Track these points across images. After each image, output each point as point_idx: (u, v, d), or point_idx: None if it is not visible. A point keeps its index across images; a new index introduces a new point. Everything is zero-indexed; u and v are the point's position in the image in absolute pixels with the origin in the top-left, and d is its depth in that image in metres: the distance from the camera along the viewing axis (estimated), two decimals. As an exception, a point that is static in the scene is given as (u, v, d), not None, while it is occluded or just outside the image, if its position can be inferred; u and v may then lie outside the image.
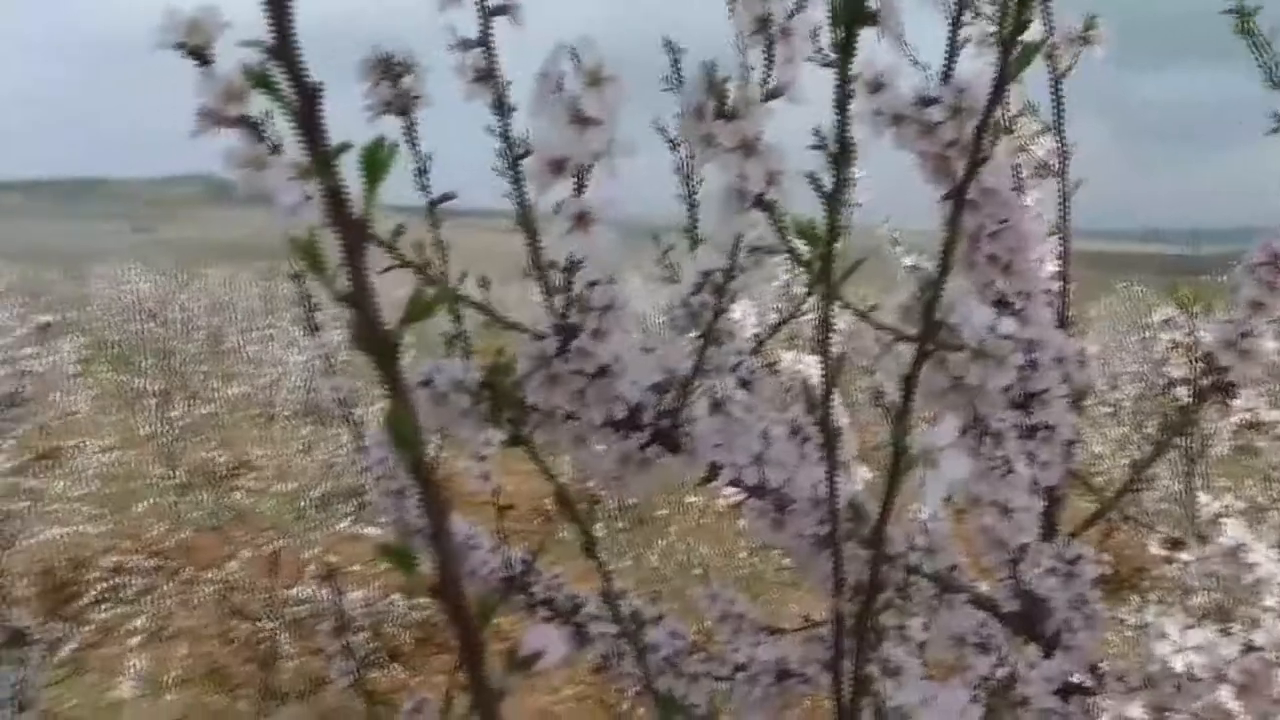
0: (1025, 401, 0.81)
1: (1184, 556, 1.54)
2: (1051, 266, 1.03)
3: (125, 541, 4.68)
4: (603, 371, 0.51)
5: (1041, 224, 1.03)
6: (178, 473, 5.42)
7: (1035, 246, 0.83)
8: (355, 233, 0.20)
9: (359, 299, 0.20)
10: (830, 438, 0.40)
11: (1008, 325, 0.60)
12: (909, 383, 0.39)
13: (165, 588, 4.37)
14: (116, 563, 4.43)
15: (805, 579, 0.71)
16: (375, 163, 0.21)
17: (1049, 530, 0.89)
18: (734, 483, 0.66)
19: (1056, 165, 1.02)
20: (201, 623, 4.23)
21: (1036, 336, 0.80)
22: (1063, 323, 1.02)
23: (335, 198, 0.20)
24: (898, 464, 0.35)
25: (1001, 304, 0.78)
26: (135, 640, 3.98)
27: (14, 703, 1.40)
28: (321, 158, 0.20)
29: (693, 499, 5.15)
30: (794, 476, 0.69)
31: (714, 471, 0.65)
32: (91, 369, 6.83)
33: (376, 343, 0.20)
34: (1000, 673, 0.60)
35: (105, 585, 4.28)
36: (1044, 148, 1.05)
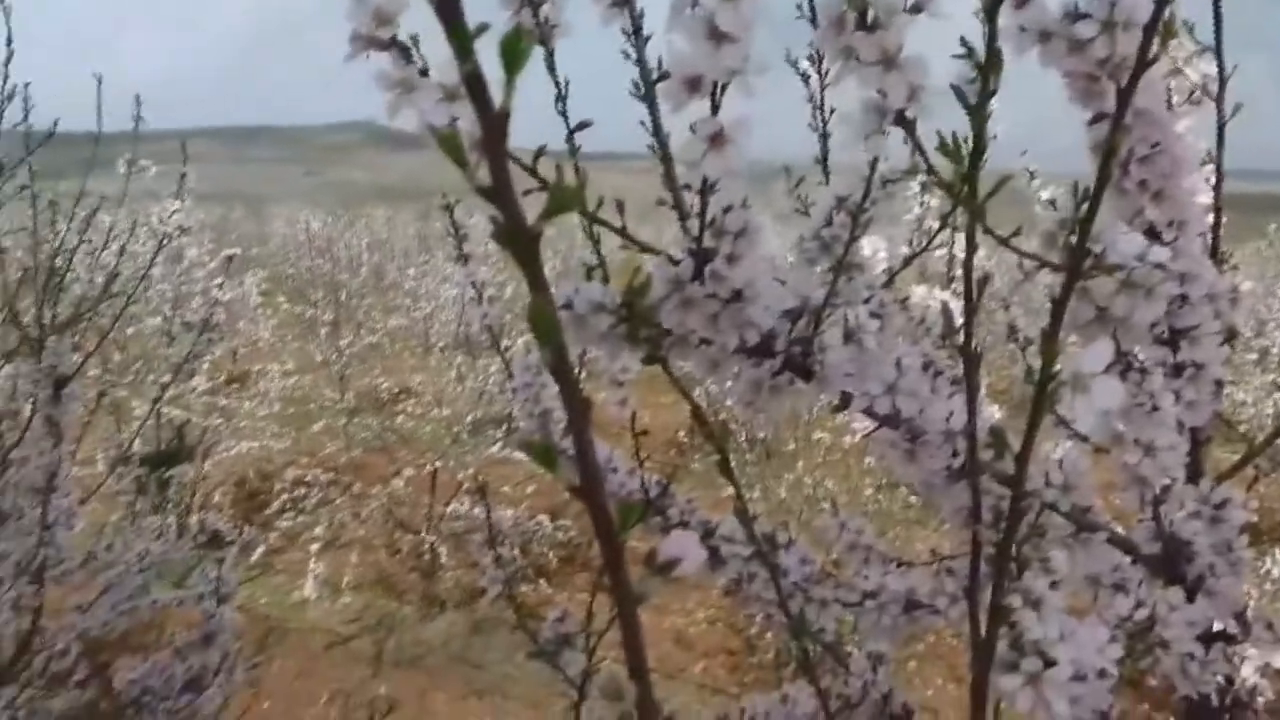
0: (1173, 338, 0.74)
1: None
2: (1204, 197, 0.93)
3: (304, 458, 5.00)
4: (736, 296, 0.49)
5: (1195, 150, 0.93)
6: (347, 397, 5.71)
7: (1188, 173, 0.75)
8: (495, 123, 0.19)
9: (499, 191, 0.19)
10: (970, 359, 0.37)
11: (1160, 253, 0.55)
12: (1057, 308, 0.35)
13: (339, 501, 4.65)
14: (297, 476, 4.74)
15: (934, 512, 0.68)
16: (514, 53, 0.19)
17: (1194, 473, 0.83)
18: (866, 412, 0.63)
19: (1213, 90, 0.92)
20: (371, 534, 4.48)
21: (1187, 269, 0.73)
22: (1214, 257, 0.93)
23: (475, 84, 0.19)
24: (1043, 391, 0.32)
25: (1151, 234, 0.72)
26: (315, 547, 4.26)
27: (214, 595, 1.52)
28: (460, 39, 0.19)
29: (820, 435, 5.09)
30: (926, 409, 0.65)
31: (845, 400, 0.62)
32: (272, 300, 7.24)
33: (517, 236, 0.19)
34: (1140, 614, 0.56)
35: (288, 496, 4.58)
36: (1199, 71, 0.95)
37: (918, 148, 0.38)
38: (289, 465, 4.89)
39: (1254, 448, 0.92)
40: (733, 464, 0.63)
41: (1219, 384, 0.76)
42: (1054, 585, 0.38)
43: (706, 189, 0.44)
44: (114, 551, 1.48)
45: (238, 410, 4.82)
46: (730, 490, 0.70)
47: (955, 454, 0.63)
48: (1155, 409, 0.67)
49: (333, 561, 4.23)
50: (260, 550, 4.07)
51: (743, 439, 4.95)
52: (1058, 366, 0.33)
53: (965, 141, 0.40)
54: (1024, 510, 0.30)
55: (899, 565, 0.87)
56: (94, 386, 3.34)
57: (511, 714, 3.29)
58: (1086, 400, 0.30)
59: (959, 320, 0.40)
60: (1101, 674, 0.41)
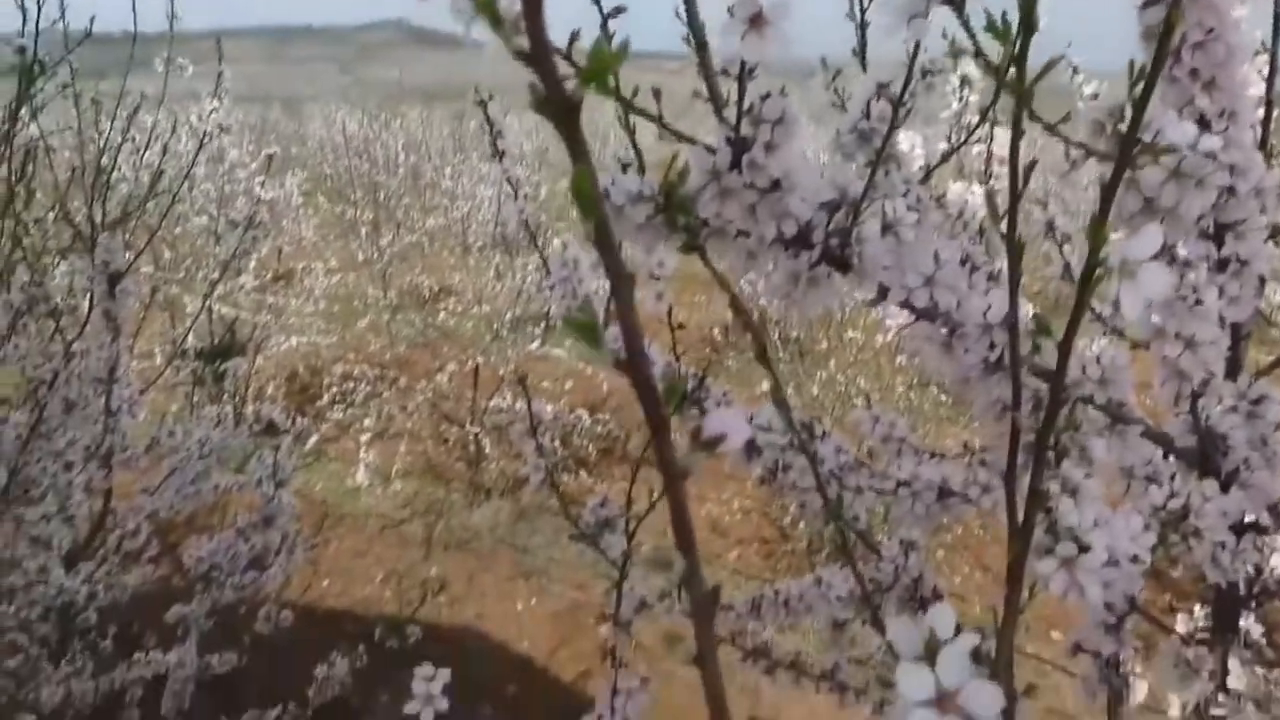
0: (1218, 232, 0.72)
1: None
2: (1256, 89, 0.89)
3: (350, 353, 5.08)
4: (774, 186, 0.48)
5: (1250, 38, 0.88)
6: (390, 294, 5.76)
7: (1242, 62, 0.71)
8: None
9: (538, 56, 0.18)
10: (1014, 247, 0.36)
11: (1211, 142, 0.52)
12: (1107, 192, 0.34)
13: (386, 395, 4.74)
14: (345, 371, 4.83)
15: (965, 409, 0.67)
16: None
17: (1233, 368, 0.81)
18: (903, 305, 0.62)
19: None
20: (418, 426, 4.58)
21: (1237, 161, 0.70)
22: (1264, 150, 0.88)
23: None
24: (1089, 278, 0.30)
25: (1201, 125, 0.68)
26: (365, 438, 4.37)
27: (272, 480, 1.57)
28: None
29: (853, 334, 5.06)
30: (963, 302, 0.64)
31: (883, 293, 0.61)
32: (312, 200, 7.25)
33: (557, 103, 0.19)
34: (1174, 504, 0.55)
35: (337, 390, 4.68)
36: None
37: (965, 27, 0.36)
38: (337, 361, 4.98)
39: (1295, 343, 0.89)
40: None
41: (1262, 280, 0.74)
42: (1089, 475, 0.38)
43: (744, 75, 0.42)
44: (175, 438, 1.53)
45: (285, 307, 4.89)
46: (763, 387, 0.70)
47: (992, 346, 0.62)
48: (1198, 303, 0.65)
49: (382, 451, 4.34)
50: (313, 440, 4.19)
51: (776, 337, 4.94)
52: (1104, 253, 0.32)
53: (1013, 24, 0.37)
54: (1064, 398, 0.29)
55: (931, 457, 0.87)
56: (147, 283, 3.40)
57: (556, 595, 3.41)
58: (1132, 287, 0.29)
59: (1003, 207, 0.38)
60: (1134, 560, 0.41)
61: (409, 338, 5.35)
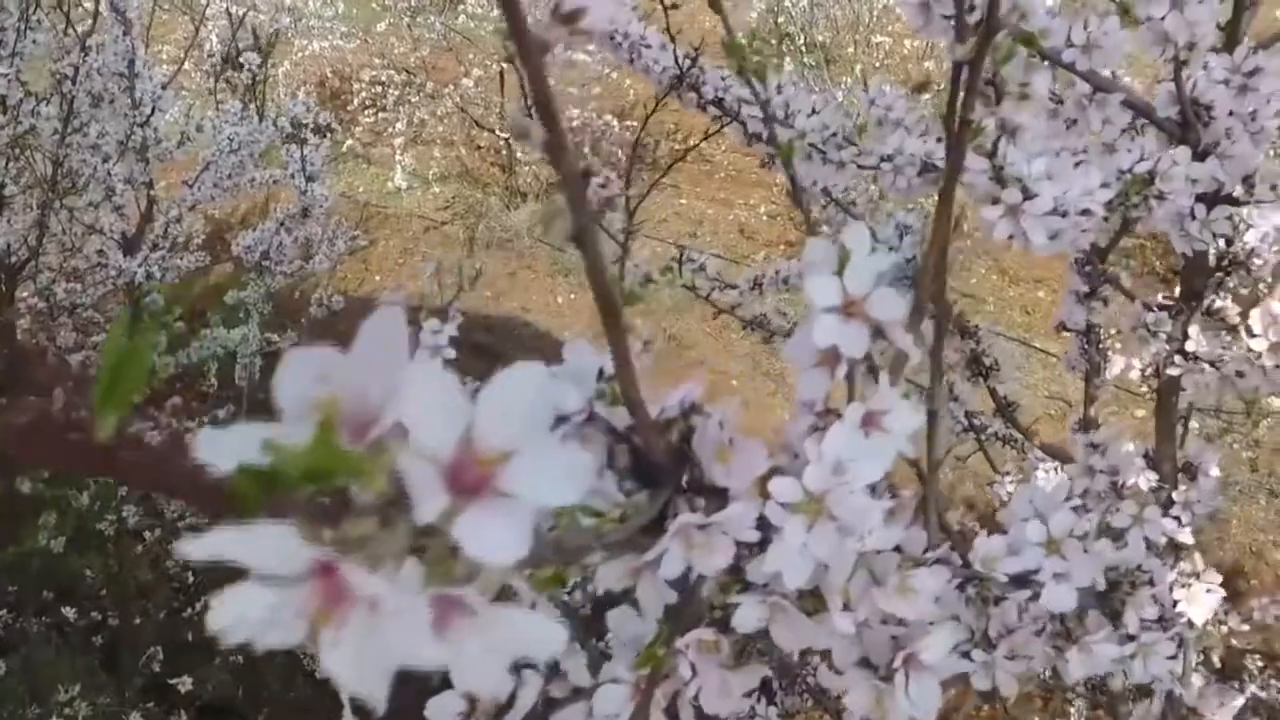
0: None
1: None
2: None
3: (376, 59, 4.86)
4: None
5: None
6: (406, -5, 5.38)
7: None
8: None
9: None
10: None
11: None
12: None
13: (414, 100, 4.58)
14: (372, 76, 4.64)
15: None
16: None
17: (1230, 40, 0.74)
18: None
19: None
20: (449, 131, 4.47)
21: None
22: None
23: None
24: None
25: None
26: (399, 142, 4.29)
27: (303, 174, 1.56)
28: None
29: (879, 39, 4.74)
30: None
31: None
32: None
33: None
34: (1141, 167, 0.53)
35: (367, 94, 4.53)
36: None
37: None
38: (363, 67, 4.77)
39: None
40: (790, 67, 0.59)
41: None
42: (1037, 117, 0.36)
43: None
44: (204, 133, 1.51)
45: (303, 10, 4.61)
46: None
47: None
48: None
49: (418, 156, 4.29)
50: (349, 143, 4.13)
51: (801, 43, 4.65)
52: None
53: None
54: (998, 25, 0.27)
55: (923, 136, 0.84)
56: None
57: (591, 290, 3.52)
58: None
59: None
60: (1085, 213, 0.41)
61: (431, 41, 5.06)
